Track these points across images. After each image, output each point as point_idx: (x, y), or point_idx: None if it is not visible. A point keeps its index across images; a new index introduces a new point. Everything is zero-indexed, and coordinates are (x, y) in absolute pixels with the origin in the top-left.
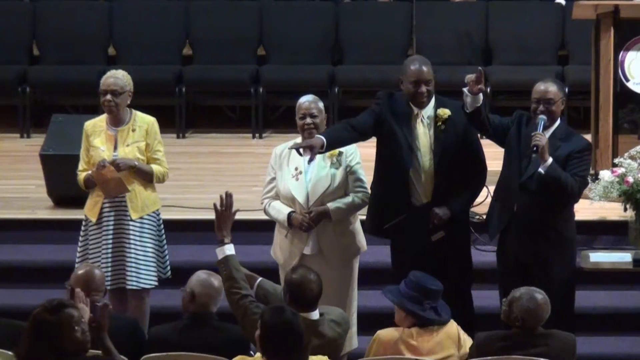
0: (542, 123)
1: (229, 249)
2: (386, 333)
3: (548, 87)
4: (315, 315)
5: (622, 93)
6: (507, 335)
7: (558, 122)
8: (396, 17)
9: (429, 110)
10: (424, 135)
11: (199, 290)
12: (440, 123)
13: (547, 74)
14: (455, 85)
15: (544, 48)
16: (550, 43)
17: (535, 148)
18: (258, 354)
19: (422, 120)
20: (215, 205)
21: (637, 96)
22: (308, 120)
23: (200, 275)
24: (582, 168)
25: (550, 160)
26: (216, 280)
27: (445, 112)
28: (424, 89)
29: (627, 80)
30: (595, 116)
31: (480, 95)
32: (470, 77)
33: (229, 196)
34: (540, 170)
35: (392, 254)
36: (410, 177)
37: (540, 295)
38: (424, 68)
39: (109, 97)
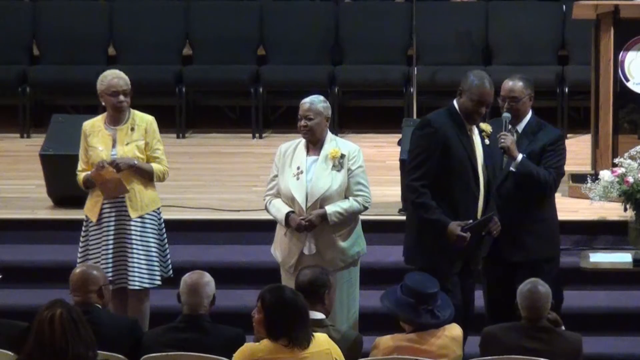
0: (506, 121)
1: None
2: (384, 341)
3: (513, 85)
4: (316, 315)
5: (622, 93)
6: (512, 327)
7: (528, 117)
8: (396, 17)
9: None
10: (478, 148)
11: (184, 293)
12: (486, 138)
13: (548, 74)
14: (455, 85)
15: (544, 48)
16: (550, 43)
17: (502, 150)
18: (264, 340)
19: (474, 134)
20: None
21: (637, 96)
22: (303, 122)
23: (186, 278)
24: (556, 160)
25: (520, 157)
26: (204, 281)
27: (487, 127)
28: (484, 110)
29: (627, 80)
30: (595, 116)
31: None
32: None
33: None
34: (512, 168)
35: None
36: (472, 190)
37: (542, 287)
38: (491, 89)
39: (121, 97)
